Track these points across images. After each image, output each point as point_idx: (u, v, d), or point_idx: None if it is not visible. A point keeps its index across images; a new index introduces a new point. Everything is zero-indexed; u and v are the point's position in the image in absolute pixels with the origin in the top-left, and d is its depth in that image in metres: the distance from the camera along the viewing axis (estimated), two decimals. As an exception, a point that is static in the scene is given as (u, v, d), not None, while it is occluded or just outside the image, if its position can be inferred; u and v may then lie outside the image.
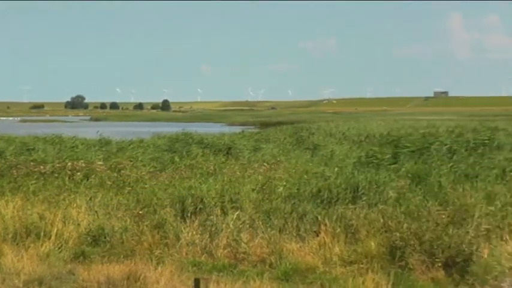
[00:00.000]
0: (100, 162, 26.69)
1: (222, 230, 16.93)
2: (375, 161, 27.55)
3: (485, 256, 15.05)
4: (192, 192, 19.45)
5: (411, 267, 14.88)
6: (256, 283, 13.57)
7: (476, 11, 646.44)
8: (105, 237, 17.16)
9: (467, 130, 40.07)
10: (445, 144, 30.54)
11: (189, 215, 18.19)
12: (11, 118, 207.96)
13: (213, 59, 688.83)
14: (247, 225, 17.33)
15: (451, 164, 25.36)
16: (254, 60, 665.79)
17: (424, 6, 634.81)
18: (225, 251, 16.30)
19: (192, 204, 18.69)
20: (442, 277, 14.57)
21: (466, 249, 14.78)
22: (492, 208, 17.72)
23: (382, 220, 16.69)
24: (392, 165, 26.20)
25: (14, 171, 25.12)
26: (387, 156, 28.20)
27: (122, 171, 25.29)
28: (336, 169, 23.88)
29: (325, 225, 16.92)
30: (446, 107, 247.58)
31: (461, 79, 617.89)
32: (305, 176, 22.59)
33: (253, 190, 20.47)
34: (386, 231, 15.99)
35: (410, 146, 29.75)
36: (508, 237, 16.35)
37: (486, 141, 32.05)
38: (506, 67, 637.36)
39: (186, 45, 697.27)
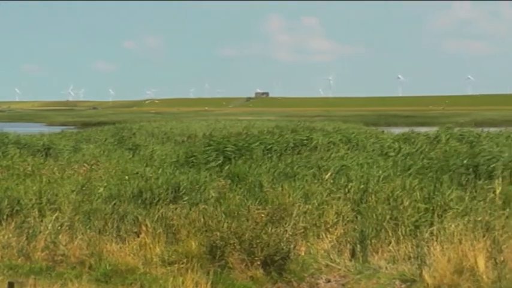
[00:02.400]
0: None
1: (39, 232, 16.64)
2: (195, 161, 27.68)
3: (303, 254, 15.48)
4: (8, 194, 18.98)
5: (231, 266, 15.08)
6: (74, 285, 13.43)
7: (295, 13, 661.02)
8: None
9: (287, 130, 40.86)
10: (266, 144, 31.03)
11: (4, 217, 17.79)
12: None
13: (33, 58, 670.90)
14: (66, 227, 17.11)
15: (270, 164, 25.81)
16: (76, 59, 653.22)
17: (245, 7, 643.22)
18: (43, 254, 16.01)
19: (8, 206, 18.29)
20: (261, 275, 14.84)
21: (284, 247, 15.11)
22: (309, 207, 18.21)
23: (202, 220, 16.84)
24: (214, 165, 26.42)
25: None
26: (208, 156, 28.38)
27: None
28: (159, 170, 23.85)
29: (146, 225, 16.90)
30: (267, 108, 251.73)
31: (282, 80, 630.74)
32: (126, 177, 22.42)
33: (72, 191, 20.13)
34: (206, 231, 16.13)
35: (231, 146, 30.03)
36: (324, 235, 16.84)
37: (305, 141, 32.73)
38: (324, 69, 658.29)
39: (4, 43, 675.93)
